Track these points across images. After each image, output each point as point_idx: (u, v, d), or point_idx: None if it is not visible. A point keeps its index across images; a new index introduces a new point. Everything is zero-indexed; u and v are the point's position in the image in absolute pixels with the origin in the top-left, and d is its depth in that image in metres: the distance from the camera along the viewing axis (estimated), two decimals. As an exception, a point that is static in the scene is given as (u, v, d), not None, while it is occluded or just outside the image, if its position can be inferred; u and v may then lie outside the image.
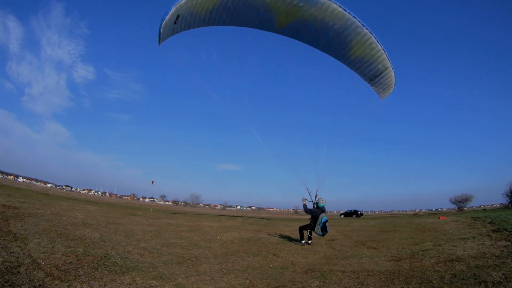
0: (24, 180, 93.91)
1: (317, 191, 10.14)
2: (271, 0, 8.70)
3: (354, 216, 49.15)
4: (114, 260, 5.55)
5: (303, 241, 9.66)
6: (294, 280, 5.28)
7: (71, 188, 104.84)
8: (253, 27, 9.50)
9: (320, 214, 9.59)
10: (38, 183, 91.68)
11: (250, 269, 6.09)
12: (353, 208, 54.06)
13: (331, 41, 9.73)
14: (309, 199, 10.09)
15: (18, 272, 4.15)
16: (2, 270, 4.07)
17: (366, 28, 9.35)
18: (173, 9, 8.19)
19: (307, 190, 10.07)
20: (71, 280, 4.20)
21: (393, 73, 10.71)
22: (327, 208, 10.06)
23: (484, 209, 44.87)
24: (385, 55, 10.03)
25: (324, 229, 9.51)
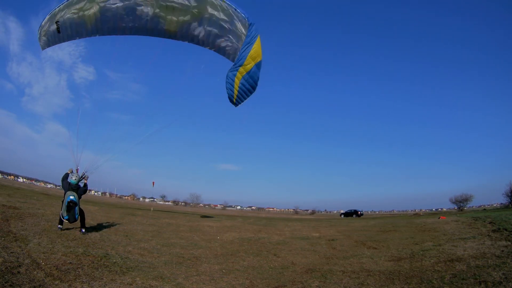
0: (24, 180, 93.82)
1: (83, 172, 8.64)
2: (152, 5, 8.22)
3: (354, 216, 49.12)
4: (114, 260, 5.56)
5: (59, 226, 7.79)
6: (294, 280, 5.28)
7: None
8: (144, 34, 9.00)
9: (68, 190, 7.80)
10: (38, 183, 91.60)
11: (250, 269, 6.09)
12: (353, 208, 54.05)
13: (224, 40, 8.78)
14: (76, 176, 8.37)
15: (18, 272, 4.15)
16: (2, 270, 4.07)
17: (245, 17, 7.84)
18: (48, 16, 8.15)
19: (76, 167, 8.56)
20: (71, 280, 4.20)
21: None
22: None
23: (484, 209, 44.85)
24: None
25: (70, 212, 7.55)
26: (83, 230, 7.92)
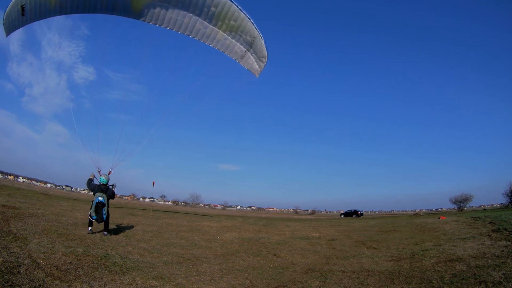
0: (24, 180, 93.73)
1: (109, 172, 8.98)
2: None
3: (354, 216, 49.11)
4: (114, 260, 5.55)
5: (89, 228, 8.02)
6: (294, 280, 5.28)
7: (71, 188, 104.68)
8: (109, 13, 8.80)
9: (97, 192, 8.07)
10: (38, 183, 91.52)
11: (250, 269, 6.09)
12: (353, 208, 54.02)
13: (193, 19, 8.87)
14: (98, 178, 8.63)
15: (18, 272, 4.15)
16: (2, 270, 4.07)
17: None
18: (13, 1, 8.06)
19: (98, 169, 8.77)
20: (71, 280, 4.20)
21: (263, 41, 9.45)
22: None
23: (484, 209, 44.82)
24: (250, 22, 8.93)
25: (98, 213, 7.83)
26: (105, 233, 8.14)
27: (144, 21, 9.03)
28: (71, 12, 8.77)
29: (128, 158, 9.80)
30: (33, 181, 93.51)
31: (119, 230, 9.52)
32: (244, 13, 8.86)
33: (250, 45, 9.52)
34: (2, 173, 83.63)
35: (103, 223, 8.15)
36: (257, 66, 10.28)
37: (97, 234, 7.98)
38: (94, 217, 7.87)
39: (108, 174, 8.77)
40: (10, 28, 8.80)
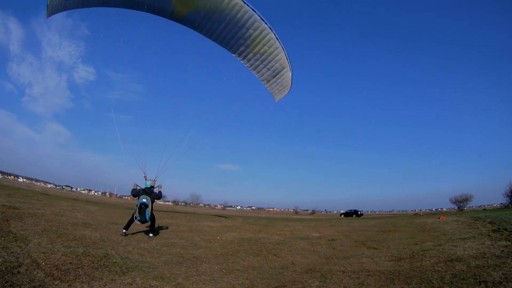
0: (24, 180, 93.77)
1: (155, 178, 9.39)
2: None
3: (354, 216, 49.11)
4: (114, 260, 5.55)
5: (123, 230, 8.53)
6: (294, 280, 5.28)
7: (71, 188, 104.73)
8: (152, 12, 9.02)
9: (141, 195, 8.61)
10: (38, 183, 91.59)
11: (250, 269, 6.09)
12: (353, 208, 54.04)
13: (230, 35, 9.31)
14: (142, 186, 9.14)
15: (18, 272, 4.15)
16: (2, 270, 4.07)
17: (265, 23, 8.90)
18: None
19: (144, 175, 9.21)
20: (71, 280, 4.20)
21: (291, 74, 10.18)
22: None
23: (484, 209, 44.81)
24: (283, 53, 9.59)
25: (142, 213, 8.38)
26: (151, 235, 8.65)
27: (184, 25, 9.36)
28: (114, 5, 8.90)
29: (173, 166, 10.21)
30: (33, 181, 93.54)
31: (118, 230, 9.49)
32: (279, 42, 9.31)
33: (278, 72, 10.09)
34: (2, 173, 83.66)
35: (149, 225, 8.86)
36: (279, 93, 10.85)
37: (98, 234, 7.98)
38: (138, 218, 8.42)
39: (154, 181, 9.29)
40: (52, 11, 8.92)
